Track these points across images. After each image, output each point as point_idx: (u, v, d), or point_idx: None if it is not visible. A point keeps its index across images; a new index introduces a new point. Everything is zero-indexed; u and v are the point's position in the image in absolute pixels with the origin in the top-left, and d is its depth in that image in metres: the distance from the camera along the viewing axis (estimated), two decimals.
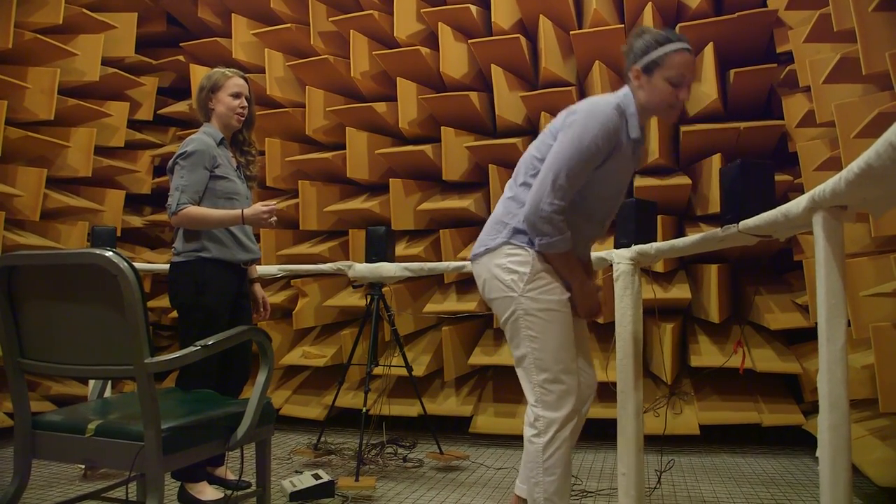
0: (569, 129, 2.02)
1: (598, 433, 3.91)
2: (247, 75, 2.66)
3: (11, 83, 3.98)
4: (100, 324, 1.72)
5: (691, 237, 2.28)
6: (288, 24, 4.76)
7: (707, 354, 3.74)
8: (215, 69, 2.86)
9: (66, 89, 4.36)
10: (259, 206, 2.67)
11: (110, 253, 1.64)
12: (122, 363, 1.70)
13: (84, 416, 1.83)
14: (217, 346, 1.82)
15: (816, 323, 1.37)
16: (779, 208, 1.59)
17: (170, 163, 2.72)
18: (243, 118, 2.86)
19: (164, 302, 4.95)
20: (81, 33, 4.50)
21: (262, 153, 4.68)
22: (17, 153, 4.15)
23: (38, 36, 4.15)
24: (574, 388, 2.06)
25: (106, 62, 4.64)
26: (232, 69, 2.88)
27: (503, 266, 2.12)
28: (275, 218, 2.70)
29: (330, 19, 4.64)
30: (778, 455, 3.63)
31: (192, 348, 1.76)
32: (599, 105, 2.02)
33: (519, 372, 2.14)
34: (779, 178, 3.53)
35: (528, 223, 2.05)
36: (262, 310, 3.05)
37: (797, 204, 1.46)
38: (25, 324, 1.82)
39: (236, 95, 2.80)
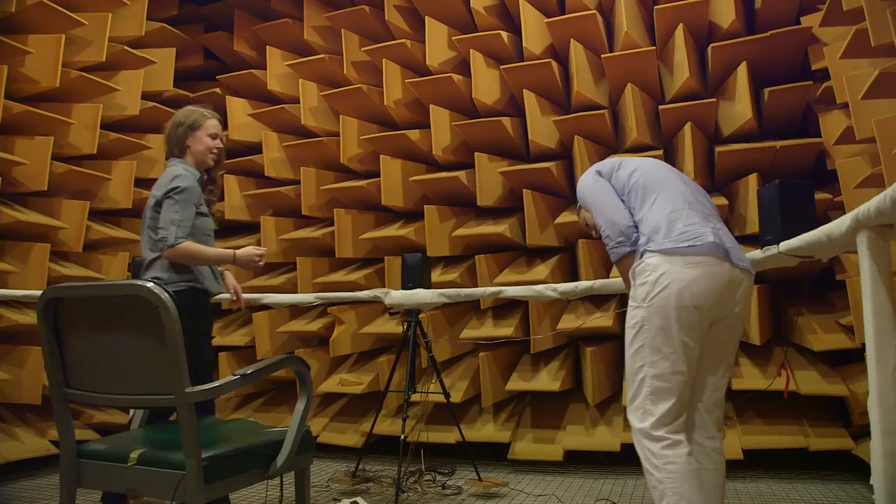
0: None
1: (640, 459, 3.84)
2: (282, 106, 2.72)
3: (58, 120, 4.10)
4: (141, 353, 1.74)
5: None
6: (321, 55, 4.85)
7: (749, 377, 3.66)
8: (193, 108, 2.92)
9: (107, 124, 4.48)
10: (253, 249, 2.84)
11: (151, 284, 1.67)
12: (163, 392, 1.72)
13: (127, 445, 1.85)
14: (256, 374, 1.83)
15: (863, 344, 1.33)
16: (821, 228, 1.56)
17: (158, 195, 2.74)
18: (216, 158, 2.94)
19: None
20: (122, 69, 4.63)
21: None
22: (61, 187, 4.26)
23: (83, 74, 4.29)
24: None
25: (146, 96, 4.76)
26: (210, 111, 2.95)
27: None
28: (262, 262, 2.89)
29: (362, 49, 4.71)
30: (827, 481, 3.52)
31: (231, 377, 1.78)
32: None
33: (725, 391, 2.20)
34: (818, 196, 3.47)
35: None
36: (235, 298, 3.11)
37: (840, 224, 1.44)
38: (70, 354, 1.85)
39: (213, 136, 2.89)
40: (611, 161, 2.43)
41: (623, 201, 2.26)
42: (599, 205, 2.28)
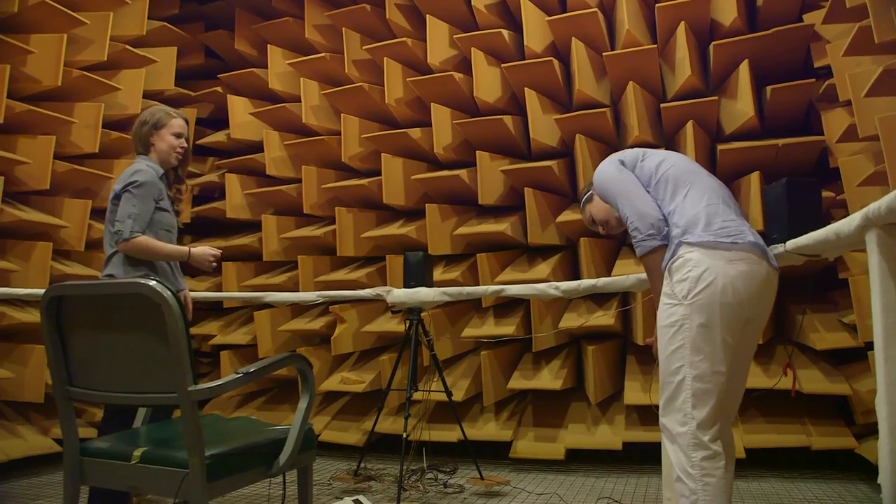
0: None
1: (642, 458, 3.84)
2: (283, 105, 2.71)
3: (60, 119, 4.10)
4: (144, 352, 1.74)
5: None
6: (322, 54, 4.84)
7: (751, 376, 3.62)
8: (158, 107, 2.98)
9: (109, 123, 4.48)
10: (208, 249, 2.87)
11: (153, 282, 1.67)
12: (166, 391, 1.72)
13: (130, 444, 1.85)
14: (258, 373, 1.82)
15: (865, 343, 1.33)
16: (829, 227, 1.56)
17: (117, 189, 2.79)
18: (181, 157, 2.98)
19: (204, 329, 5.02)
20: (124, 69, 4.63)
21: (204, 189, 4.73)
22: (64, 186, 4.26)
23: (85, 73, 4.28)
24: None
25: (147, 95, 4.75)
26: (176, 111, 3.00)
27: None
28: (216, 263, 2.90)
29: (364, 47, 4.70)
30: (830, 480, 3.51)
31: (234, 375, 1.77)
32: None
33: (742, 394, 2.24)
34: None
35: None
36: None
37: (849, 222, 1.43)
38: (73, 352, 1.85)
39: (178, 136, 2.93)
40: (633, 151, 2.31)
41: (648, 192, 2.17)
42: (627, 195, 2.16)
